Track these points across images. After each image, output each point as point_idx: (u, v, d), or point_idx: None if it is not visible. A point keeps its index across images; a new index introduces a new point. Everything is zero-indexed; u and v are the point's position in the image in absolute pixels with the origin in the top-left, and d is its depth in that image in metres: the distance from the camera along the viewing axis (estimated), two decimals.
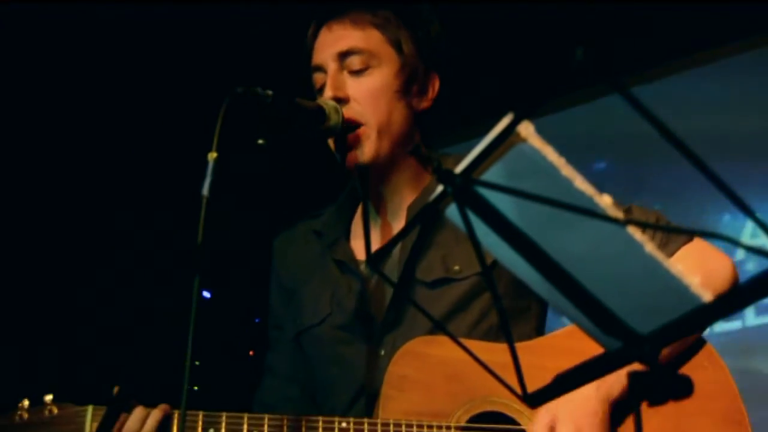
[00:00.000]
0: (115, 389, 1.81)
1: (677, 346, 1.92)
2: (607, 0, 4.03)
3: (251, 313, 4.33)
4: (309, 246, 2.26)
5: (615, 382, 1.84)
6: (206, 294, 4.35)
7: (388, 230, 2.16)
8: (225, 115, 1.65)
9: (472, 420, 1.91)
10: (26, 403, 1.88)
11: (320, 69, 2.12)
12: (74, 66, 4.07)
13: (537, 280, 1.07)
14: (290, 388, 2.21)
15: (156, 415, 1.84)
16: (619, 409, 1.87)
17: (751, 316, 4.11)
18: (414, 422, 1.87)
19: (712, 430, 1.92)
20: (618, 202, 1.00)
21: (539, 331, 2.13)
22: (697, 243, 2.04)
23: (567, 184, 0.97)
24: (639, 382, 1.08)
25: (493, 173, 0.99)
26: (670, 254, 1.98)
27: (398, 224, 2.16)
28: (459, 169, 0.98)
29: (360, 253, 2.17)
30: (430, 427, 1.88)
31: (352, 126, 2.04)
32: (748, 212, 0.95)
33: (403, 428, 1.87)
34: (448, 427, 1.89)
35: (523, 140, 0.96)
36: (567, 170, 0.97)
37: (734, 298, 0.98)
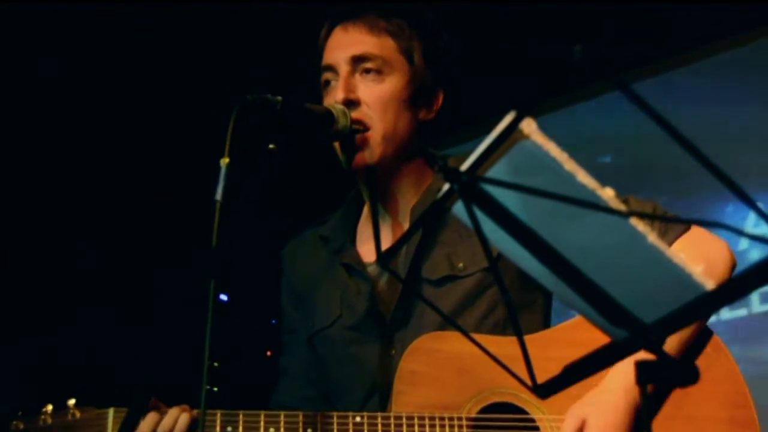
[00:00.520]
0: (135, 393, 1.85)
1: (681, 333, 1.95)
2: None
3: (268, 315, 4.37)
4: (317, 252, 2.31)
5: (635, 390, 1.86)
6: (223, 297, 4.41)
7: (393, 231, 2.21)
8: (236, 122, 1.69)
9: (482, 411, 1.94)
10: (50, 407, 1.93)
11: (331, 69, 2.15)
12: (94, 76, 4.12)
13: (543, 274, 1.09)
14: (307, 389, 2.25)
15: (188, 414, 1.88)
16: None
17: (756, 303, 4.12)
18: (426, 415, 1.91)
19: (717, 413, 1.95)
20: (617, 194, 1.02)
21: (545, 323, 2.16)
22: (695, 230, 2.07)
23: (570, 178, 0.99)
24: (646, 369, 1.10)
25: (497, 170, 1.01)
26: (670, 242, 2.02)
27: (403, 225, 2.20)
28: (464, 166, 1.01)
29: (366, 256, 2.21)
30: (441, 419, 1.91)
31: (359, 128, 2.08)
32: (749, 201, 0.96)
33: (416, 421, 1.90)
34: (460, 419, 1.92)
35: (526, 137, 0.98)
36: (569, 165, 0.99)
37: (737, 285, 1.00)
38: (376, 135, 2.09)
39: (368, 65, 2.11)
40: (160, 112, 4.31)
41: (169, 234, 4.35)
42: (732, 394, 1.97)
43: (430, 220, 2.07)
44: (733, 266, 2.03)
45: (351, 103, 2.07)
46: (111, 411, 1.87)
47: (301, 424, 1.90)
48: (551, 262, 1.07)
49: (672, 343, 1.88)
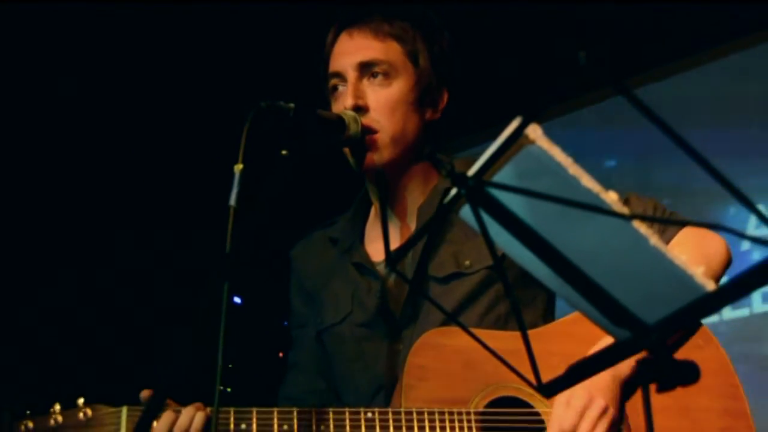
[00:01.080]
0: (144, 393, 1.86)
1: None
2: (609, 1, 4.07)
3: (280, 318, 4.41)
4: (326, 252, 2.35)
5: (624, 364, 1.90)
6: (237, 300, 4.45)
7: (401, 230, 2.25)
8: (250, 128, 1.73)
9: (489, 405, 1.98)
10: (57, 407, 1.89)
11: (338, 75, 2.18)
12: (112, 83, 4.15)
13: (548, 275, 1.12)
14: (316, 381, 2.28)
15: (203, 412, 1.89)
16: (628, 390, 1.94)
17: (758, 303, 4.14)
18: (435, 410, 1.94)
19: (711, 405, 1.99)
20: (618, 194, 1.05)
21: (546, 318, 2.20)
22: (692, 227, 2.11)
23: (574, 182, 1.02)
24: (648, 369, 1.12)
25: (503, 174, 1.04)
26: (668, 240, 2.06)
27: (410, 225, 2.25)
28: (471, 171, 1.03)
29: (375, 255, 2.25)
30: (450, 413, 1.95)
31: (369, 132, 2.11)
32: (750, 204, 0.97)
33: (426, 416, 1.93)
34: (468, 414, 1.95)
35: (532, 142, 1.01)
36: (574, 169, 1.02)
37: (737, 286, 1.01)
38: (385, 137, 2.13)
39: (375, 70, 2.15)
40: (176, 120, 4.35)
41: (185, 238, 4.40)
42: (725, 386, 2.01)
43: (437, 222, 2.10)
44: (730, 260, 2.08)
45: (360, 109, 2.12)
46: (125, 409, 1.86)
47: (314, 421, 1.92)
48: (556, 264, 1.09)
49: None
